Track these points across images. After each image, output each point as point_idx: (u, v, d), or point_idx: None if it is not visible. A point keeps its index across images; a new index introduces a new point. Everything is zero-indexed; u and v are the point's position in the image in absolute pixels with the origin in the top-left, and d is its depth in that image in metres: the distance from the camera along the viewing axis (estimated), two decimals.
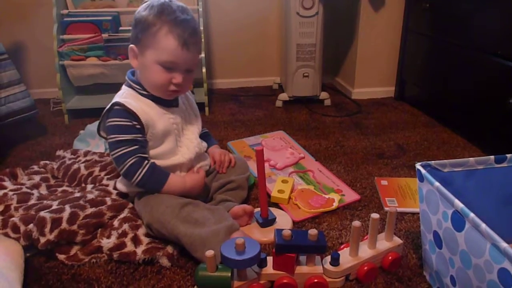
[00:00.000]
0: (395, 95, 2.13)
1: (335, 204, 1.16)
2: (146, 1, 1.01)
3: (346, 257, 0.88)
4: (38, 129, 1.77)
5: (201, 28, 1.88)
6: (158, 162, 1.02)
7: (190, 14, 1.01)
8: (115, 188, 1.14)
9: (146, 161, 0.98)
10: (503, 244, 0.61)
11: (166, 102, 1.05)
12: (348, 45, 2.16)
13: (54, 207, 0.99)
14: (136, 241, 0.96)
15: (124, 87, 1.06)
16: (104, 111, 1.01)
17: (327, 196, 1.20)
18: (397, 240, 0.94)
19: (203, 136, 1.17)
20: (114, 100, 1.00)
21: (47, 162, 1.32)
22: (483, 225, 0.65)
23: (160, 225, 0.94)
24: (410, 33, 1.95)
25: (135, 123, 0.98)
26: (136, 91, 1.03)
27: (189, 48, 0.97)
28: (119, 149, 0.97)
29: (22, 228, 0.96)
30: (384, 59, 2.09)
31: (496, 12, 1.39)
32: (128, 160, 0.96)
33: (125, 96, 1.01)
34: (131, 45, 1.00)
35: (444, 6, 1.68)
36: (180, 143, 1.07)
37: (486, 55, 1.43)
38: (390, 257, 0.91)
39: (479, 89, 1.50)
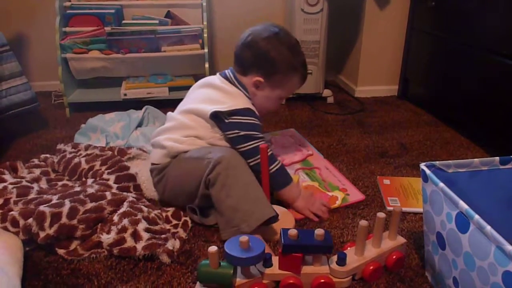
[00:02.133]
0: (398, 94, 2.11)
1: (338, 203, 1.15)
2: (270, 32, 1.10)
3: (352, 257, 0.87)
4: (39, 122, 1.76)
5: (204, 23, 1.88)
6: None
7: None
8: (116, 181, 1.13)
9: (279, 160, 1.11)
10: (509, 247, 0.60)
11: None
12: (352, 42, 2.15)
13: (54, 201, 0.99)
14: (136, 236, 0.95)
15: (236, 90, 1.11)
16: (232, 109, 1.06)
17: (330, 194, 1.19)
18: (401, 239, 0.93)
19: None
20: (238, 102, 1.08)
21: (48, 155, 1.31)
22: (488, 227, 0.64)
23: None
24: (415, 31, 1.93)
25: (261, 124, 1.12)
26: (247, 97, 1.12)
27: None
28: (254, 142, 1.06)
29: (22, 222, 0.96)
30: (388, 57, 2.07)
31: (503, 11, 1.37)
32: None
33: (246, 101, 1.10)
34: (260, 79, 1.10)
35: (450, 5, 1.66)
36: None
37: (491, 55, 1.42)
38: (394, 256, 0.90)
39: (483, 89, 1.49)
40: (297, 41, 1.15)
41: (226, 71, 1.15)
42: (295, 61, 1.11)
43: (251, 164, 1.06)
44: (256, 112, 1.11)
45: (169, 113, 1.17)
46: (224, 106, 1.06)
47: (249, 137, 1.07)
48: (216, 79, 1.15)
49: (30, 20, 2.04)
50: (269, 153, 1.04)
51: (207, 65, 1.85)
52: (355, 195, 1.21)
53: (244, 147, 1.07)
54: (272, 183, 1.06)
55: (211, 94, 1.12)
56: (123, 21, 1.92)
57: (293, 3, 1.87)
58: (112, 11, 1.88)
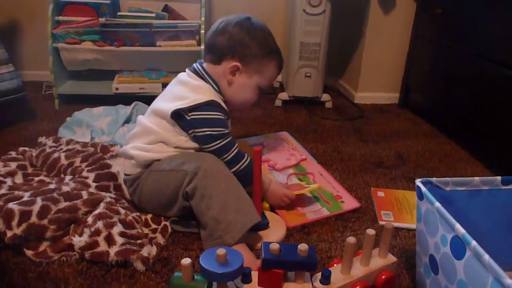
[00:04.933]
0: (399, 102, 2.05)
1: (306, 190, 1.13)
2: (238, 19, 1.05)
3: (337, 275, 0.81)
4: (27, 113, 1.69)
5: (202, 18, 1.82)
6: None
7: None
8: (95, 180, 1.07)
9: (247, 154, 1.05)
10: (508, 281, 0.54)
11: None
12: (354, 46, 2.09)
13: (25, 198, 0.93)
14: (109, 240, 0.89)
15: (203, 83, 1.05)
16: (192, 104, 0.99)
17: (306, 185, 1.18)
18: (392, 258, 0.87)
19: None
20: (201, 96, 1.01)
21: (26, 148, 1.25)
22: (486, 256, 0.58)
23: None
24: (419, 38, 1.88)
25: (227, 118, 1.05)
26: (215, 90, 1.06)
27: None
28: (221, 140, 1.01)
29: None
30: (390, 64, 2.01)
31: (509, 22, 1.31)
32: (233, 149, 1.02)
33: (211, 94, 1.03)
34: (237, 63, 1.04)
35: (458, 13, 1.60)
36: None
37: (497, 67, 1.36)
38: (383, 276, 0.84)
39: (487, 102, 1.43)
40: (269, 29, 1.10)
41: (195, 64, 1.09)
42: (270, 45, 1.08)
43: (237, 169, 1.01)
44: (223, 105, 1.04)
45: (139, 116, 1.11)
46: (184, 101, 0.99)
47: (215, 136, 1.01)
48: (184, 74, 1.10)
49: (22, 7, 1.98)
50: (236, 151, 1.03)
51: None
52: (350, 203, 1.16)
53: (211, 146, 1.01)
54: (242, 180, 0.98)
55: (176, 90, 1.06)
56: (119, 13, 1.86)
57: (294, 3, 1.81)
58: (108, 1, 1.82)
